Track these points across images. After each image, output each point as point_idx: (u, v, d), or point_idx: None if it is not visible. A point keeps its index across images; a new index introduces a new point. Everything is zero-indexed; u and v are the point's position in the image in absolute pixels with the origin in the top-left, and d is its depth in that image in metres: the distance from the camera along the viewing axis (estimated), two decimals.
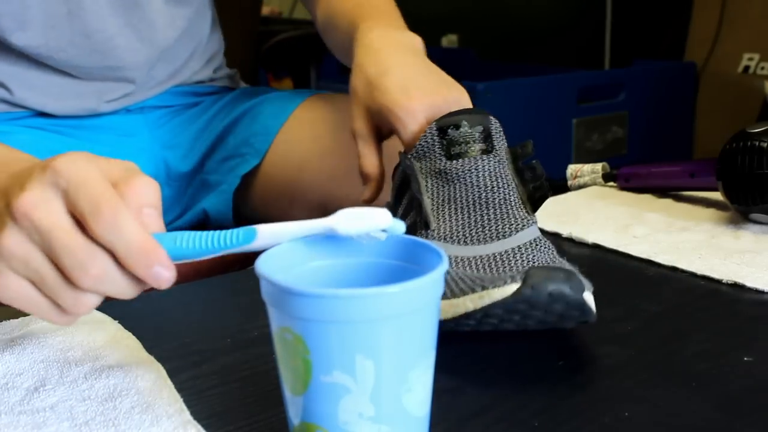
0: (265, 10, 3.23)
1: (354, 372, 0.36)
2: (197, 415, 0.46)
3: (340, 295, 0.35)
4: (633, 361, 0.52)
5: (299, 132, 0.93)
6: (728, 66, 2.11)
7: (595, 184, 0.95)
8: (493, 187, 0.57)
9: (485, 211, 0.56)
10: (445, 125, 0.59)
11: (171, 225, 0.98)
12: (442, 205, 0.57)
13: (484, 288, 0.49)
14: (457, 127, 0.58)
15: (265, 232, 0.42)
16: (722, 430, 0.44)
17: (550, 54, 2.44)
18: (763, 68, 2.04)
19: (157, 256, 0.41)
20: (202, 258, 0.43)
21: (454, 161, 0.58)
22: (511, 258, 0.53)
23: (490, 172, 0.57)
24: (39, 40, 0.79)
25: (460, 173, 0.57)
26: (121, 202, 0.41)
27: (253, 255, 0.40)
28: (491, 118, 0.60)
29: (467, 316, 0.50)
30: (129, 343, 0.55)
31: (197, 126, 0.97)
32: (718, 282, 0.65)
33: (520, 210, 0.57)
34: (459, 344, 0.54)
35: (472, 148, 0.57)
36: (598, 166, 0.95)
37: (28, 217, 0.40)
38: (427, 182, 0.59)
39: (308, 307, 0.36)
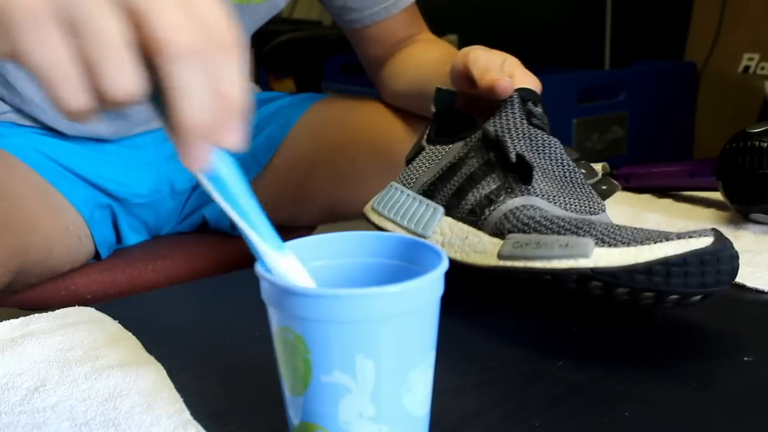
0: None
1: (354, 372, 0.36)
2: (197, 415, 0.46)
3: (340, 295, 0.35)
4: (633, 361, 0.52)
5: (306, 136, 0.92)
6: (728, 66, 2.10)
7: None
8: (572, 167, 0.57)
9: (575, 188, 0.56)
10: (527, 97, 0.60)
11: (170, 230, 0.98)
12: (535, 170, 0.56)
13: (669, 239, 0.48)
14: (535, 103, 0.60)
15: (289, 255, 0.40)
16: (722, 430, 0.44)
17: (550, 54, 2.44)
18: (763, 68, 2.04)
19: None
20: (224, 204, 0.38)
21: (538, 130, 0.58)
22: (623, 229, 0.52)
23: (564, 151, 0.58)
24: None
25: (546, 143, 0.57)
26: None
27: (253, 255, 0.40)
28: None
29: (659, 263, 0.47)
30: (129, 343, 0.55)
31: None
32: None
33: (593, 192, 0.58)
34: (459, 344, 0.54)
35: (547, 126, 0.59)
36: (598, 166, 0.95)
37: None
38: (514, 144, 0.58)
39: (308, 307, 0.36)
